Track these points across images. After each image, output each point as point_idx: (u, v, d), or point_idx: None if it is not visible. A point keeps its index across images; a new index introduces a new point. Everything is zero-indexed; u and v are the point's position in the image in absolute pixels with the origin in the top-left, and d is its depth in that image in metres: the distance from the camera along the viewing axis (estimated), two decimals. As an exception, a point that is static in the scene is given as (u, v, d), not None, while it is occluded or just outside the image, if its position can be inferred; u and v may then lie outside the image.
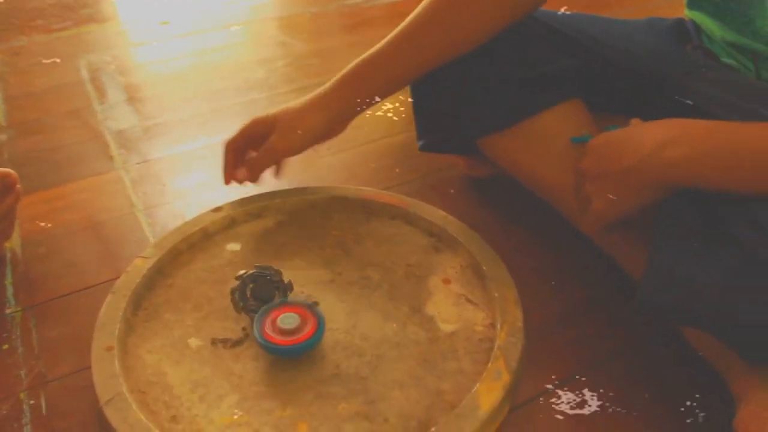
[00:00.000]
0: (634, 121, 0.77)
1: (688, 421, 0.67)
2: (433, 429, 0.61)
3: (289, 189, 0.90)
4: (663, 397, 0.69)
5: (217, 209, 0.87)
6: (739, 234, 0.58)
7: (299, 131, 0.82)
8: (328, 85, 0.83)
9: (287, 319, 0.69)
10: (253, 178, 0.85)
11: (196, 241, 0.84)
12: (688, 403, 0.68)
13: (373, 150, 1.06)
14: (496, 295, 0.75)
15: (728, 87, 0.75)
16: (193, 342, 0.72)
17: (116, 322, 0.71)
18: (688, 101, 0.77)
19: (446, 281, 0.79)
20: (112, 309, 0.73)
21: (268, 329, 0.68)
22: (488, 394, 0.64)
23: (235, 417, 0.64)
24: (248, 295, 0.71)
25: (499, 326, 0.71)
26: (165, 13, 1.61)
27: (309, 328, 0.69)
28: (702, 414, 0.67)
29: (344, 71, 0.82)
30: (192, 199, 0.95)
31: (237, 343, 0.71)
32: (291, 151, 0.84)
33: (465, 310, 0.75)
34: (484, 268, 0.78)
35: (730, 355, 0.66)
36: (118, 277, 0.78)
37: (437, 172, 1.00)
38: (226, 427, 0.63)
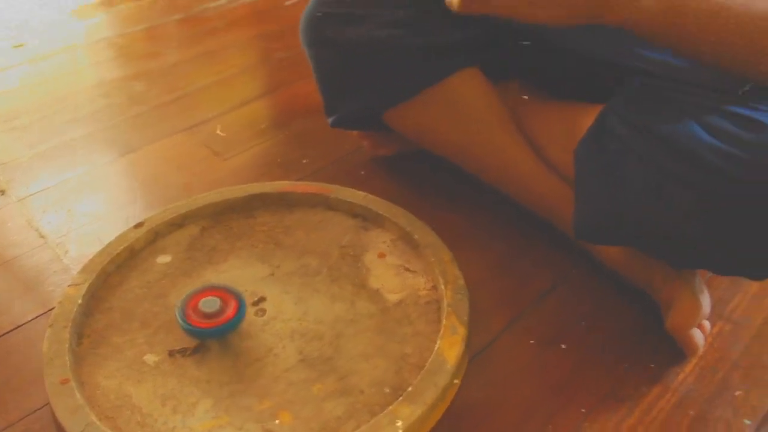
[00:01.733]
0: None
1: (625, 342, 0.74)
2: (409, 388, 0.64)
3: (206, 194, 0.90)
4: (597, 325, 0.77)
5: (138, 225, 0.86)
6: (648, 151, 0.66)
7: None
8: None
9: (208, 302, 0.71)
10: None
11: (123, 261, 0.83)
12: (622, 325, 0.76)
13: (275, 145, 1.08)
14: (432, 259, 0.79)
15: None
16: (150, 358, 0.71)
17: (64, 354, 0.70)
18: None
19: (381, 255, 0.83)
20: (55, 342, 0.71)
21: (191, 314, 0.69)
22: (450, 349, 0.68)
23: (215, 420, 0.64)
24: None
25: (442, 287, 0.76)
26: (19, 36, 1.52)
27: (231, 309, 0.71)
28: (635, 334, 0.75)
29: None
30: (103, 220, 0.93)
31: (195, 350, 0.72)
32: None
33: (406, 279, 0.80)
34: (415, 237, 0.82)
35: (650, 270, 0.74)
36: (50, 310, 0.76)
37: (345, 157, 1.04)
38: None
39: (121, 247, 0.83)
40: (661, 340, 0.74)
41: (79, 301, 0.76)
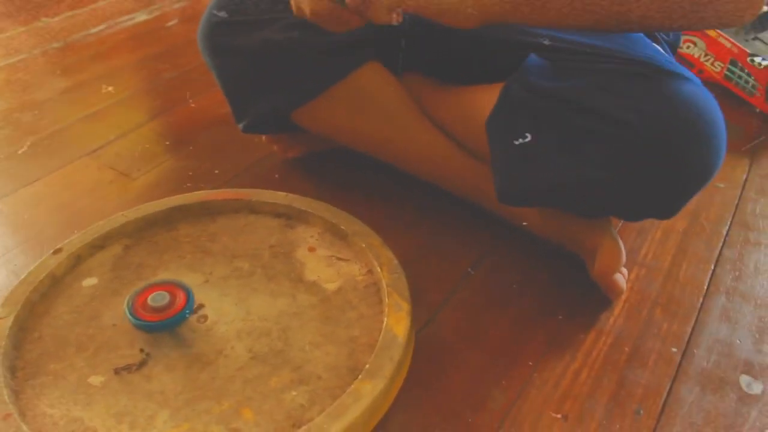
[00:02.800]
0: None
1: (555, 297, 0.79)
2: (367, 366, 0.66)
3: (124, 212, 0.88)
4: (527, 286, 0.81)
5: (57, 251, 0.83)
6: (556, 112, 0.70)
7: None
8: None
9: (157, 297, 0.72)
10: None
11: (47, 288, 0.80)
12: (549, 282, 0.81)
13: (183, 159, 1.07)
14: (363, 245, 0.81)
15: None
16: (95, 380, 0.70)
17: (1, 390, 0.66)
18: None
19: (311, 249, 0.84)
20: (-12, 378, 0.68)
21: (140, 310, 0.70)
22: (398, 324, 0.70)
23: (176, 429, 0.64)
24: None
25: (378, 269, 0.78)
26: None
27: (180, 300, 0.72)
28: (563, 288, 0.80)
29: None
30: (14, 252, 0.89)
31: (142, 364, 0.70)
32: None
33: (341, 268, 0.81)
34: (342, 227, 0.84)
35: (569, 226, 0.79)
36: (-25, 349, 0.72)
37: (256, 163, 1.04)
38: (172, 440, 0.63)
39: (43, 275, 0.80)
40: (586, 291, 0.80)
41: (7, 334, 0.72)
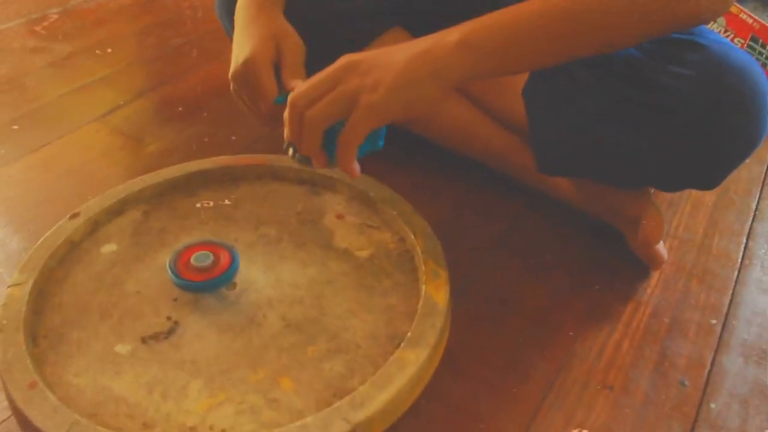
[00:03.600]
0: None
1: (591, 267, 0.77)
2: (408, 334, 0.64)
3: (142, 177, 0.85)
4: (561, 255, 0.79)
5: (74, 215, 0.79)
6: (599, 81, 0.68)
7: None
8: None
9: (201, 257, 0.69)
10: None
11: (65, 254, 0.77)
12: (583, 253, 0.79)
13: (197, 125, 1.03)
14: (394, 213, 0.79)
15: None
16: (122, 348, 0.67)
17: (24, 358, 0.64)
18: None
19: (340, 217, 0.82)
20: (9, 346, 0.65)
21: (184, 270, 0.67)
22: (437, 292, 0.68)
23: (212, 399, 0.61)
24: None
25: (412, 236, 0.75)
26: None
27: (224, 262, 0.69)
28: (597, 259, 0.78)
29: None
30: (27, 215, 0.85)
31: (170, 332, 0.68)
32: None
33: (372, 235, 0.79)
34: (371, 194, 0.82)
35: (608, 197, 0.77)
36: (-8, 316, 0.69)
37: (275, 131, 1.00)
38: (208, 411, 0.60)
39: (60, 240, 0.76)
40: (621, 262, 0.78)
41: (26, 300, 0.69)
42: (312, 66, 0.86)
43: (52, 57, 1.25)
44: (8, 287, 0.70)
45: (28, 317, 0.68)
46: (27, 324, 0.67)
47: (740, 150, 0.68)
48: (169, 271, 0.67)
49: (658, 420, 0.62)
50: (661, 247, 0.77)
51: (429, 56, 0.60)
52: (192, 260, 0.67)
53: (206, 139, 0.99)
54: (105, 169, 0.94)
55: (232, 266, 0.67)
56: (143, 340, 0.67)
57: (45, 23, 1.41)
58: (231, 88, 0.76)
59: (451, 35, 0.60)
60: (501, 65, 0.61)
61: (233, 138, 0.99)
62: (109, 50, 1.28)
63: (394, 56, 0.60)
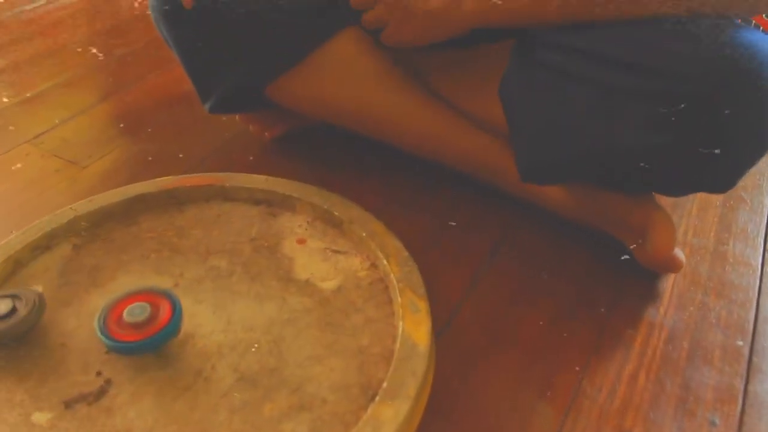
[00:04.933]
0: None
1: (593, 286, 0.67)
2: (384, 384, 0.53)
3: (72, 206, 0.73)
4: (558, 274, 0.68)
5: (-9, 256, 0.67)
6: (586, 70, 0.59)
7: None
8: None
9: (135, 310, 0.57)
10: None
11: (-22, 303, 0.64)
12: (583, 270, 0.68)
13: (141, 143, 0.92)
14: (363, 234, 0.68)
15: None
16: (41, 417, 0.55)
17: None
18: None
19: (300, 241, 0.71)
20: None
21: (115, 327, 0.55)
22: (417, 329, 0.57)
23: (147, 476, 0.49)
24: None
25: (384, 262, 0.65)
26: None
27: (163, 315, 0.57)
28: (599, 276, 0.68)
29: None
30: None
31: (100, 393, 0.56)
32: None
33: (338, 262, 0.68)
34: (335, 213, 0.71)
35: (608, 204, 0.67)
36: None
37: (226, 144, 0.90)
38: (142, 493, 0.48)
39: (-27, 287, 0.64)
40: (626, 277, 0.68)
41: (-73, 365, 0.57)
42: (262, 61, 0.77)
43: (-20, 73, 1.12)
44: None
45: (-74, 385, 0.56)
46: (-75, 393, 0.55)
47: (758, 145, 0.57)
48: (98, 331, 0.55)
49: (690, 472, 0.51)
50: (679, 252, 0.66)
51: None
52: (125, 315, 0.56)
53: (150, 158, 0.87)
54: (35, 198, 0.82)
55: (173, 319, 0.56)
56: (67, 405, 0.55)
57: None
58: None
59: None
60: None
61: (180, 155, 0.87)
62: (47, 64, 1.16)
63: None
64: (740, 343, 0.62)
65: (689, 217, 0.78)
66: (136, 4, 1.43)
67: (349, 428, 0.51)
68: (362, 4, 0.73)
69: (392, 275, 0.63)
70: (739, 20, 0.59)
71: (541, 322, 0.63)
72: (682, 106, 0.56)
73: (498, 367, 0.59)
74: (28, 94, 1.06)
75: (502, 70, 0.73)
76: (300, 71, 0.76)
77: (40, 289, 0.67)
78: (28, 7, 1.42)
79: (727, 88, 0.55)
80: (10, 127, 0.96)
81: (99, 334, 0.56)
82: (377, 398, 0.52)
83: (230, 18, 0.74)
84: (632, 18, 0.59)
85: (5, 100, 1.04)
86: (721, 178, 0.60)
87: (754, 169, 0.79)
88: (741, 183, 0.78)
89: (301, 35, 0.75)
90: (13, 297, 0.58)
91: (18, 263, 0.69)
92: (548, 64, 0.64)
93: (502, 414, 0.55)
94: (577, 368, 0.59)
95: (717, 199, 0.82)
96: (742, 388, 0.58)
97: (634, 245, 0.67)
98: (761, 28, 1.04)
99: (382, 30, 0.73)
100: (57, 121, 0.99)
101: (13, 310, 0.57)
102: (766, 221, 0.78)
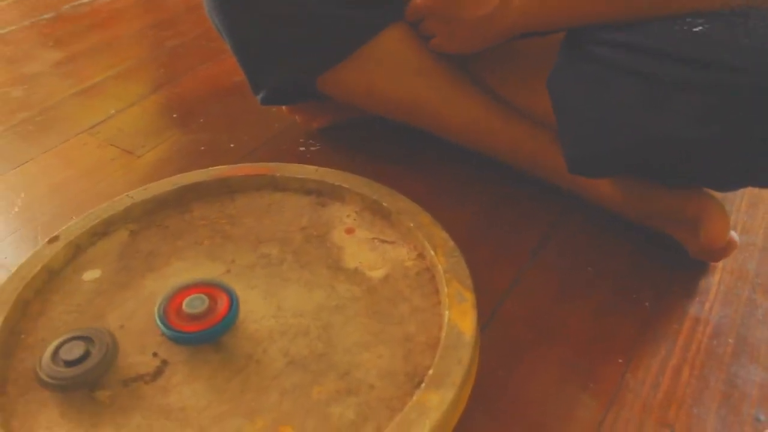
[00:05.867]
0: None
1: (638, 280, 0.67)
2: (430, 371, 0.54)
3: (128, 193, 0.76)
4: (604, 268, 0.69)
5: (53, 239, 0.71)
6: (635, 61, 0.59)
7: None
8: None
9: (194, 301, 0.59)
10: None
11: (42, 284, 0.68)
12: (629, 264, 0.69)
13: (193, 133, 0.94)
14: (410, 225, 0.69)
15: None
16: (101, 394, 0.58)
17: (-11, 409, 0.55)
18: None
19: (349, 231, 0.72)
20: (-27, 396, 0.56)
21: (172, 317, 0.57)
22: (463, 318, 0.58)
23: (202, 452, 0.52)
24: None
25: (431, 252, 0.66)
26: None
27: (221, 308, 0.59)
28: (644, 270, 0.68)
29: None
30: (3, 242, 0.77)
31: (156, 373, 0.59)
32: None
33: (385, 252, 0.69)
34: (384, 204, 0.72)
35: (657, 197, 0.67)
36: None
37: (277, 136, 0.92)
38: (197, 469, 0.51)
39: (37, 268, 0.68)
40: (672, 272, 0.68)
41: (-5, 341, 0.60)
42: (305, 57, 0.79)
43: (40, 65, 1.16)
44: (-24, 325, 0.62)
45: (-4, 360, 0.59)
46: (-6, 368, 0.58)
47: None
48: (158, 321, 0.58)
49: (733, 468, 0.52)
50: (732, 233, 0.66)
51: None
52: (184, 306, 0.58)
53: (202, 148, 0.90)
54: (94, 185, 0.85)
55: (230, 314, 0.58)
56: (125, 384, 0.58)
57: (37, 29, 1.33)
58: None
59: None
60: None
61: (231, 145, 0.90)
62: (102, 56, 1.20)
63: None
64: (788, 340, 0.62)
65: (738, 213, 0.78)
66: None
67: (395, 413, 0.53)
68: (413, 15, 0.75)
69: (439, 266, 0.64)
70: None
71: (585, 316, 0.64)
72: (734, 97, 0.56)
73: (542, 360, 0.60)
74: (85, 85, 1.10)
75: (550, 62, 0.73)
76: (350, 64, 0.78)
77: (98, 273, 0.70)
78: (85, 0, 1.46)
79: None
80: (68, 117, 1.00)
81: (159, 324, 0.58)
82: (423, 385, 0.53)
83: (283, 10, 0.76)
84: (680, 12, 0.59)
85: (64, 90, 1.08)
86: (768, 174, 0.60)
87: None
88: None
89: (352, 29, 0.77)
90: (86, 339, 0.58)
91: (78, 248, 0.72)
92: (597, 58, 0.64)
93: (545, 405, 0.56)
94: (621, 361, 0.60)
95: (767, 194, 0.81)
96: (788, 385, 0.58)
97: (687, 239, 0.67)
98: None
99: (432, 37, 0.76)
100: (113, 111, 1.02)
101: (87, 354, 0.57)
102: (816, 218, 0.77)
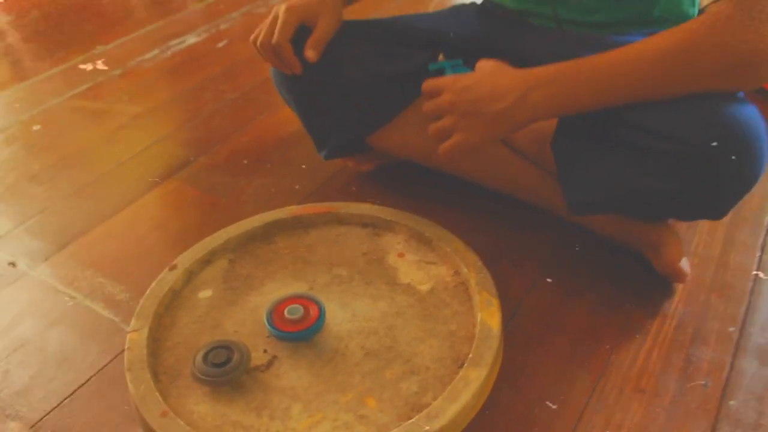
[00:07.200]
0: (480, 65, 0.97)
1: (624, 289, 0.89)
2: (470, 355, 0.76)
3: (226, 229, 0.99)
4: (598, 280, 0.91)
5: (172, 267, 0.93)
6: (619, 135, 0.80)
7: None
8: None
9: (292, 309, 0.81)
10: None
11: (170, 301, 0.90)
12: (617, 276, 0.91)
13: (264, 176, 1.18)
14: (448, 249, 0.92)
15: (550, 41, 0.99)
16: (231, 379, 0.80)
17: (153, 392, 0.77)
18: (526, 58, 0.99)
19: (401, 255, 0.95)
20: (140, 383, 0.78)
21: (278, 321, 0.80)
22: (491, 318, 0.81)
23: (311, 418, 0.74)
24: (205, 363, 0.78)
25: (465, 270, 0.88)
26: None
27: (313, 314, 0.82)
28: (630, 281, 0.90)
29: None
30: (123, 267, 1.00)
31: (269, 364, 0.81)
32: None
33: (430, 270, 0.92)
34: (426, 234, 0.95)
35: (634, 227, 0.90)
36: (115, 358, 0.83)
37: (333, 177, 1.15)
38: (310, 429, 0.73)
39: (165, 290, 0.90)
40: (648, 282, 0.90)
41: (146, 344, 0.83)
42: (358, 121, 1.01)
43: (120, 119, 1.40)
44: (128, 333, 0.84)
45: (147, 358, 0.82)
46: (149, 364, 0.81)
47: (742, 190, 0.78)
48: (267, 324, 0.80)
49: (686, 418, 0.74)
50: (684, 264, 0.88)
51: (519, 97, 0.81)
52: (286, 313, 0.80)
53: (273, 190, 1.13)
54: (187, 223, 1.08)
55: (320, 317, 0.81)
56: (248, 372, 0.80)
57: (108, 86, 1.57)
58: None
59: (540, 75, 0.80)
60: (573, 104, 0.80)
61: (296, 187, 1.12)
62: (173, 108, 1.43)
63: (490, 108, 0.82)
64: (732, 329, 0.84)
65: (701, 234, 1.00)
66: (236, 52, 1.70)
67: (446, 386, 0.75)
68: (435, 111, 0.86)
69: (471, 280, 0.87)
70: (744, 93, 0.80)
71: (581, 316, 0.86)
72: (684, 161, 0.77)
73: (550, 347, 0.82)
74: (162, 134, 1.33)
75: (553, 125, 0.94)
76: (393, 124, 1.01)
77: (210, 293, 0.93)
78: (147, 56, 1.70)
79: (720, 151, 0.75)
80: (155, 164, 1.23)
81: (268, 327, 0.81)
82: (465, 365, 0.76)
83: (339, 87, 0.99)
84: (653, 99, 0.78)
85: (146, 140, 1.32)
86: (715, 211, 0.82)
87: (759, 191, 1.01)
88: (747, 205, 1.01)
89: (394, 97, 0.99)
90: (227, 348, 0.79)
91: (192, 273, 0.95)
92: (590, 128, 0.86)
93: (552, 378, 0.78)
94: (608, 346, 0.82)
95: (726, 218, 1.03)
96: (730, 362, 0.80)
97: (653, 257, 0.90)
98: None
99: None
100: (191, 158, 1.25)
101: (229, 359, 0.78)
102: (763, 236, 0.99)
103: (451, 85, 0.84)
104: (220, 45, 1.74)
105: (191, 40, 1.79)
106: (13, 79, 1.67)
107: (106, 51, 1.77)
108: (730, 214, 0.98)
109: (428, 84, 0.86)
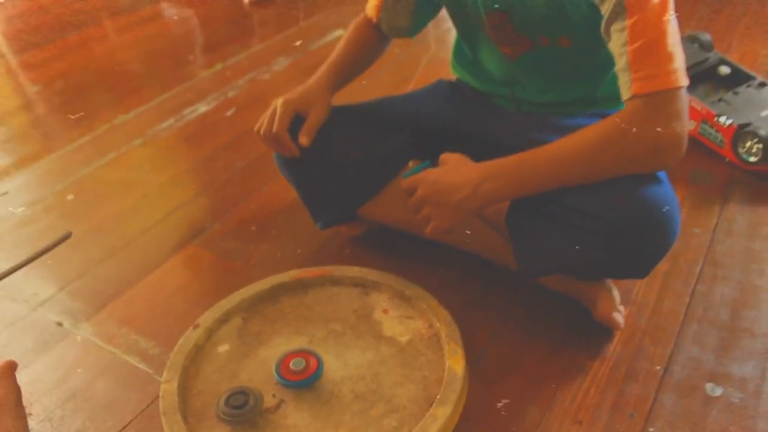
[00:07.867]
0: (443, 158, 1.15)
1: (570, 334, 1.08)
2: (438, 396, 0.95)
3: (238, 292, 1.18)
4: (550, 327, 1.10)
5: (196, 326, 1.12)
6: (558, 214, 0.99)
7: None
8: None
9: (296, 362, 1.00)
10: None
11: (194, 355, 1.09)
12: (565, 323, 1.10)
13: (269, 242, 1.37)
14: (424, 306, 1.11)
15: (510, 124, 1.18)
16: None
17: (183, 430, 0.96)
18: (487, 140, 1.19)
19: (385, 311, 1.14)
20: (174, 425, 0.97)
21: (284, 372, 0.98)
22: (457, 364, 1.00)
23: (311, 449, 0.93)
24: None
25: (438, 324, 1.07)
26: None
27: (312, 365, 1.00)
28: (576, 328, 1.09)
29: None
30: (153, 325, 1.18)
31: (277, 407, 1.00)
32: None
33: (409, 324, 1.11)
34: (406, 293, 1.14)
35: (577, 284, 1.08)
36: (149, 405, 1.02)
37: (329, 242, 1.34)
38: (310, 458, 0.92)
39: (190, 345, 1.09)
40: (591, 328, 1.08)
41: (176, 392, 1.02)
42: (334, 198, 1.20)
43: (144, 189, 1.60)
44: (162, 384, 1.03)
45: (179, 404, 1.00)
46: (180, 409, 1.00)
47: (659, 256, 0.96)
48: (276, 374, 0.99)
49: (615, 443, 0.92)
50: (618, 316, 1.07)
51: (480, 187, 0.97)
52: (291, 365, 0.99)
53: (278, 254, 1.32)
54: (205, 285, 1.27)
55: (319, 369, 0.99)
56: (260, 414, 0.99)
57: (131, 155, 1.78)
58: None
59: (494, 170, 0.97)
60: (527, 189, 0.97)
61: (298, 251, 1.32)
62: (187, 179, 1.63)
63: (456, 196, 0.98)
64: (658, 368, 1.03)
65: (641, 283, 1.19)
66: (243, 120, 1.90)
67: (419, 421, 0.93)
68: (415, 205, 1.01)
69: (442, 332, 1.05)
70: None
71: (535, 357, 1.05)
72: (605, 237, 0.95)
73: (508, 387, 1.01)
74: (181, 203, 1.53)
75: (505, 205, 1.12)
76: (379, 197, 1.20)
77: (227, 347, 1.12)
78: (163, 125, 1.91)
79: (636, 229, 0.91)
80: (176, 231, 1.43)
81: (276, 377, 1.00)
82: (434, 404, 0.95)
83: (329, 165, 1.18)
84: (586, 182, 0.96)
85: (167, 209, 1.52)
86: (639, 273, 1.00)
87: (695, 243, 1.19)
88: (682, 256, 1.19)
89: (377, 176, 1.19)
90: (244, 393, 0.97)
91: (211, 331, 1.14)
92: (535, 207, 1.04)
93: (508, 413, 0.97)
94: (553, 385, 1.01)
95: (664, 268, 1.21)
96: (653, 395, 0.98)
97: (592, 308, 1.09)
98: (709, 122, 1.42)
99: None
100: (207, 226, 1.45)
101: (245, 402, 0.96)
102: (694, 284, 1.18)
103: (423, 179, 1.01)
104: (229, 113, 1.94)
105: (202, 108, 1.99)
106: (42, 150, 1.87)
107: (126, 121, 1.97)
108: (668, 264, 1.18)
109: (406, 182, 1.03)
